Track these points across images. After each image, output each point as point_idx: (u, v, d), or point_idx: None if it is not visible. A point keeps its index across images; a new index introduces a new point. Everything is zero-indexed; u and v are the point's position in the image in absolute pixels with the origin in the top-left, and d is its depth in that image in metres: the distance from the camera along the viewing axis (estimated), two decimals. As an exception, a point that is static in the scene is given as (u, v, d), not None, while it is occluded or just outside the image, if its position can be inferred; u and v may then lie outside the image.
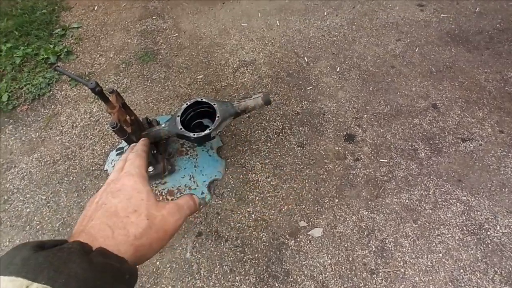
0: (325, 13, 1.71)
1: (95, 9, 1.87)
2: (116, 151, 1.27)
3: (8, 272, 0.20)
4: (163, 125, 1.06)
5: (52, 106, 1.47)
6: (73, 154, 1.32)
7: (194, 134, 1.01)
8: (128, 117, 0.99)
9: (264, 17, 1.72)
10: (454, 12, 1.66)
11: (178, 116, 1.04)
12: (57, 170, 1.28)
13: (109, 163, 1.25)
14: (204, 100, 1.06)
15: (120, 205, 0.29)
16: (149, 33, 1.71)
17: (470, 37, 1.55)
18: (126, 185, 0.31)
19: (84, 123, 1.41)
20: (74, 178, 1.25)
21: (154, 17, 1.78)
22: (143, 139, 0.43)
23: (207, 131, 1.01)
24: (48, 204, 1.20)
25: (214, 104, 1.05)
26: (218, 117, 1.03)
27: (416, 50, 1.52)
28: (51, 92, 1.51)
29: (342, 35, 1.61)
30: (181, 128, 1.02)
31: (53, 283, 0.19)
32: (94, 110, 1.44)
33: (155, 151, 1.07)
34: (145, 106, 1.42)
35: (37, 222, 1.16)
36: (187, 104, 1.07)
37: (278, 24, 1.68)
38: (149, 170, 1.07)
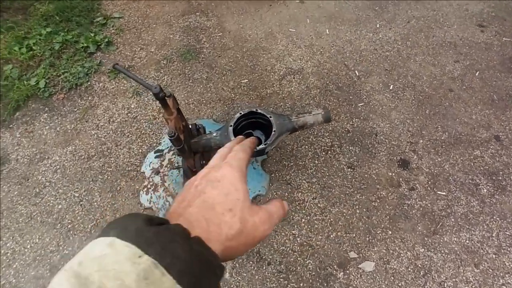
0: (378, 26, 1.62)
1: (137, -1, 1.81)
2: (155, 153, 1.21)
3: (124, 237, 0.21)
4: (214, 134, 0.98)
5: (89, 98, 1.42)
6: (108, 151, 1.26)
7: (248, 148, 0.93)
8: (181, 122, 0.93)
9: (312, 24, 1.64)
10: (517, 37, 1.55)
11: (231, 126, 0.97)
12: (91, 166, 1.22)
13: (147, 165, 1.18)
14: (260, 111, 0.99)
15: (217, 199, 0.28)
16: (192, 30, 1.64)
17: (536, 66, 1.44)
18: (226, 177, 0.30)
19: (121, 118, 1.35)
20: (109, 177, 1.19)
21: (197, 13, 1.71)
22: (252, 137, 0.40)
23: (262, 146, 0.94)
24: (81, 203, 1.14)
25: (271, 117, 0.97)
26: (274, 131, 0.95)
27: (477, 75, 1.42)
28: (89, 83, 1.46)
29: (395, 50, 1.52)
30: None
31: (160, 259, 0.20)
32: (133, 106, 1.38)
33: (204, 162, 1.00)
34: (185, 107, 1.36)
35: (69, 221, 1.11)
36: (240, 113, 1.00)
37: (328, 32, 1.60)
38: (195, 180, 1.00)
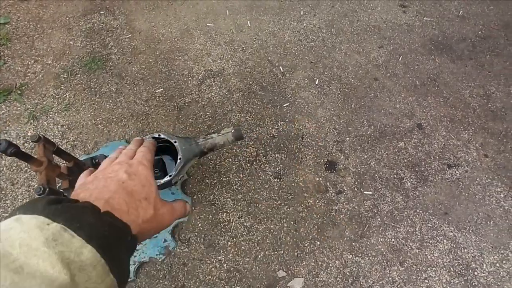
0: (302, 13, 1.53)
1: (27, -1, 1.53)
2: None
3: (31, 212, 0.23)
4: (110, 170, 0.86)
5: (-26, 129, 1.19)
6: (3, 192, 1.08)
7: (150, 183, 0.82)
8: (64, 165, 0.79)
9: (233, 15, 1.50)
10: (437, 16, 1.54)
11: (130, 158, 0.85)
12: (-18, 214, 1.04)
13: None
14: (162, 136, 0.87)
15: (135, 188, 0.32)
16: (96, 33, 1.43)
17: (454, 45, 1.45)
18: (141, 173, 0.35)
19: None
20: None
21: (102, 12, 1.49)
22: (151, 140, 0.46)
23: (167, 178, 0.83)
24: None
25: (175, 142, 0.86)
26: (180, 159, 0.85)
27: (400, 60, 1.40)
28: (-29, 110, 1.23)
29: (320, 39, 1.44)
30: (133, 175, 0.83)
31: (69, 225, 0.22)
32: (30, 134, 1.18)
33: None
34: (93, 128, 1.19)
35: None
36: (140, 141, 0.87)
37: (249, 25, 1.47)
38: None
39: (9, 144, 0.62)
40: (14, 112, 1.23)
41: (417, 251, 1.00)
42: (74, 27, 1.44)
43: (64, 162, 0.83)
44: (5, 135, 1.19)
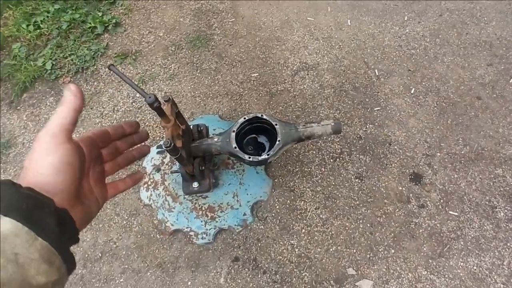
0: (406, 18, 1.48)
1: (148, -24, 1.71)
2: (157, 148, 1.18)
3: None
4: (215, 139, 0.94)
5: (95, 83, 1.38)
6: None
7: (249, 157, 0.89)
8: (181, 127, 0.88)
9: (334, 12, 1.51)
10: None
11: (234, 131, 0.92)
12: (94, 156, 1.21)
13: (148, 160, 1.16)
14: (265, 117, 0.93)
15: None
16: (203, 14, 1.54)
17: None
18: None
19: (126, 107, 1.31)
20: (111, 170, 1.18)
21: (210, -6, 1.61)
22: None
23: (264, 156, 0.89)
24: (83, 194, 1.15)
25: (276, 125, 0.92)
26: (279, 141, 0.90)
27: (510, 81, 1.28)
28: (95, 67, 1.42)
29: (422, 48, 1.39)
30: (235, 147, 0.90)
31: None
32: (138, 95, 1.34)
33: (203, 167, 0.96)
34: (191, 100, 1.31)
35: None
36: (245, 118, 0.94)
37: (349, 24, 1.47)
38: (193, 186, 0.97)
39: (156, 99, 0.72)
40: (127, 74, 1.39)
41: (502, 286, 0.94)
42: (185, 5, 1.58)
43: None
44: (118, 92, 1.35)
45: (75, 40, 1.47)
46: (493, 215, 1.04)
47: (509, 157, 1.13)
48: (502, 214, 1.04)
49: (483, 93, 1.27)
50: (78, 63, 1.41)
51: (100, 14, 1.52)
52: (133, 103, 1.32)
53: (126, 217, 1.10)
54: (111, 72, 1.38)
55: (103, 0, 1.59)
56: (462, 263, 0.97)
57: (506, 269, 0.96)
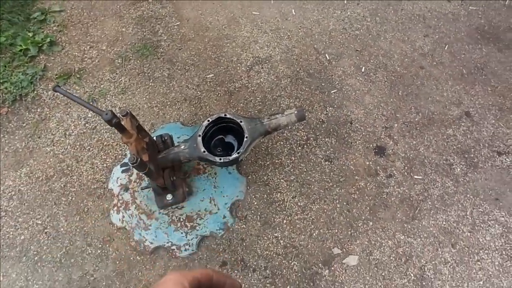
0: (345, 1, 1.54)
1: (79, -13, 1.60)
2: (121, 166, 1.11)
3: None
4: (182, 147, 0.91)
5: (39, 109, 1.27)
6: (69, 168, 1.15)
7: (220, 159, 0.87)
8: (144, 140, 0.84)
9: (277, 4, 1.53)
10: (483, 5, 1.53)
11: (200, 135, 0.90)
12: (52, 188, 1.12)
13: (114, 181, 1.09)
14: (229, 116, 0.92)
15: None
16: (146, 21, 1.48)
17: (501, 35, 1.44)
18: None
19: (78, 130, 1.22)
20: (74, 198, 1.10)
21: (150, 0, 1.54)
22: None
23: (235, 155, 0.88)
24: (46, 230, 1.05)
25: (241, 122, 0.91)
26: (246, 137, 0.89)
27: (446, 48, 1.40)
28: (35, 92, 1.30)
29: (365, 28, 1.46)
30: (204, 151, 0.88)
31: None
32: (90, 115, 1.25)
33: (174, 178, 0.92)
34: (149, 111, 1.25)
35: (34, 252, 1.02)
36: (208, 120, 0.92)
37: (294, 13, 1.50)
38: (167, 198, 0.94)
39: (113, 115, 0.68)
40: (74, 94, 1.29)
41: (469, 234, 1.02)
42: (125, 14, 1.50)
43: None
44: (67, 115, 1.26)
45: (5, 66, 1.33)
46: (451, 172, 1.12)
47: (456, 117, 1.23)
48: (458, 169, 1.13)
49: (425, 62, 1.36)
50: (14, 90, 1.28)
51: (30, 34, 1.39)
52: (86, 124, 1.23)
53: (100, 245, 1.03)
54: (56, 94, 1.28)
55: (32, 19, 1.46)
56: (433, 221, 1.04)
57: (470, 218, 1.05)
